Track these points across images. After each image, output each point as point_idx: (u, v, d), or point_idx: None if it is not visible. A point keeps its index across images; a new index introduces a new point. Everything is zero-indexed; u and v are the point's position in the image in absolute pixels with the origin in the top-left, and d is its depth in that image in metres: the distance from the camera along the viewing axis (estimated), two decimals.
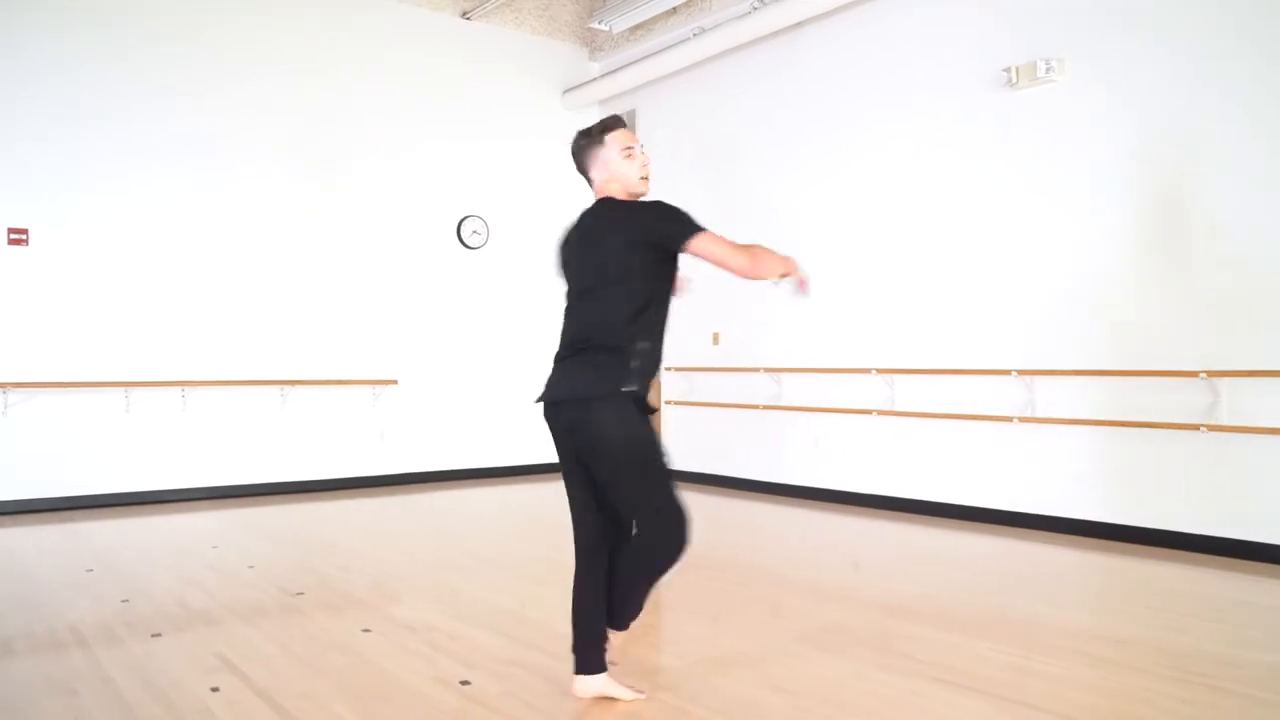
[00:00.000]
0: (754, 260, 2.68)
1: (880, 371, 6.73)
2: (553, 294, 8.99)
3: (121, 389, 6.94)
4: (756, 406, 7.70)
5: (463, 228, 8.61)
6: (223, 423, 7.38)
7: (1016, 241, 6.00)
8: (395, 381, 8.14)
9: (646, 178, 2.85)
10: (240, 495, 7.40)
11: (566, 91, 9.21)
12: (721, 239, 2.71)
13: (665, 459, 2.74)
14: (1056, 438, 5.79)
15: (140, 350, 7.01)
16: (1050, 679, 3.13)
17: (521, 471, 8.75)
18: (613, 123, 2.86)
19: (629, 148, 2.80)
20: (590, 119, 9.51)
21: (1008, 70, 5.92)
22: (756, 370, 7.67)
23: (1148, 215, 5.39)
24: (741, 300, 7.94)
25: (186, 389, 7.20)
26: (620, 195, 2.83)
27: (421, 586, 4.57)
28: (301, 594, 4.37)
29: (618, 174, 2.81)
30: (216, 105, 7.34)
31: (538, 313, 9.05)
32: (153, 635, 3.67)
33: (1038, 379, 5.86)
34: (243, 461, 7.46)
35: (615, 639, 2.92)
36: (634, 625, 2.99)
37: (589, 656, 2.81)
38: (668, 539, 2.67)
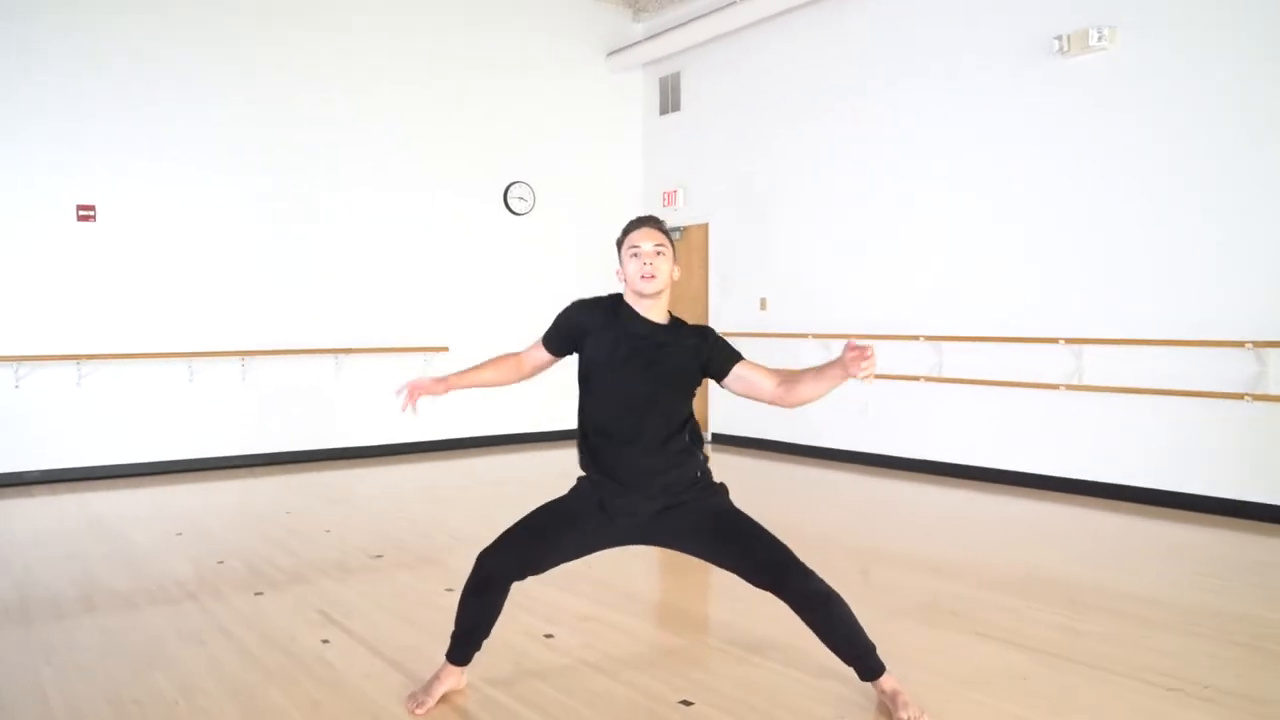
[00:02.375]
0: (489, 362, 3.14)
1: (928, 339, 7.08)
2: (597, 259, 9.42)
3: (185, 359, 7.46)
4: None
5: (509, 194, 9.00)
6: (281, 391, 7.90)
7: (1064, 210, 6.29)
8: (446, 348, 8.60)
9: (646, 276, 2.80)
10: (299, 461, 7.94)
11: (611, 54, 9.52)
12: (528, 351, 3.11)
13: (528, 522, 2.93)
14: (1103, 406, 6.13)
15: (201, 322, 7.52)
16: (1091, 636, 3.53)
17: (572, 436, 9.21)
18: (635, 222, 2.90)
19: (634, 247, 2.81)
20: (634, 82, 9.86)
21: (1059, 38, 6.16)
22: (805, 336, 8.04)
23: (1197, 186, 5.66)
24: (789, 267, 8.30)
25: (246, 359, 7.72)
26: (626, 293, 2.89)
27: None
28: (381, 556, 4.86)
29: (624, 272, 2.86)
30: (270, 89, 7.75)
31: (585, 278, 9.45)
32: (255, 594, 4.17)
33: (1085, 347, 6.19)
34: (300, 428, 7.99)
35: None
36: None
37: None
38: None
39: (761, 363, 2.94)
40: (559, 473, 7.40)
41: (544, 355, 3.04)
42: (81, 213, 7.03)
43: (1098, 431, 6.17)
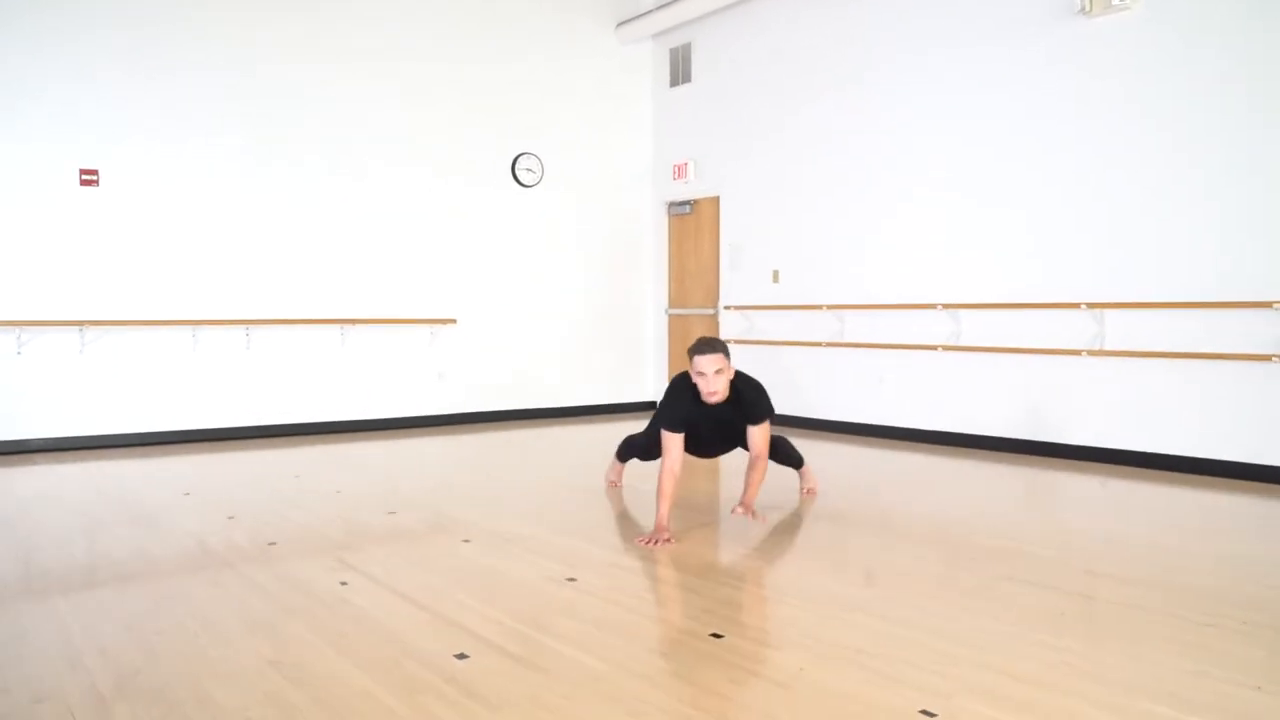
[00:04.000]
0: (662, 484, 4.17)
1: (946, 307, 7.09)
2: (605, 231, 9.44)
3: (189, 327, 7.47)
4: (819, 344, 8.09)
5: (517, 165, 9.01)
6: (285, 361, 7.91)
7: (1085, 173, 6.30)
8: (454, 321, 8.62)
9: (709, 394, 4.12)
10: (303, 433, 7.95)
11: (620, 25, 9.52)
12: (670, 448, 4.22)
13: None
14: (1126, 371, 6.14)
15: (206, 290, 7.53)
16: (1123, 580, 3.55)
17: (580, 412, 9.23)
18: (697, 347, 4.15)
19: (700, 373, 4.12)
20: (644, 53, 9.88)
21: None
22: (819, 308, 8.05)
23: (1221, 146, 5.67)
24: (802, 238, 8.31)
25: (250, 328, 7.73)
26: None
27: (510, 506, 5.03)
28: (394, 513, 4.87)
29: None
30: (277, 53, 7.76)
31: (593, 251, 9.47)
32: (269, 544, 4.19)
33: (1107, 312, 6.20)
34: (304, 400, 8.01)
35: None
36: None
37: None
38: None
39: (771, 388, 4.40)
40: (575, 447, 7.42)
41: (681, 443, 4.24)
42: (84, 177, 7.04)
43: (1121, 397, 6.18)
